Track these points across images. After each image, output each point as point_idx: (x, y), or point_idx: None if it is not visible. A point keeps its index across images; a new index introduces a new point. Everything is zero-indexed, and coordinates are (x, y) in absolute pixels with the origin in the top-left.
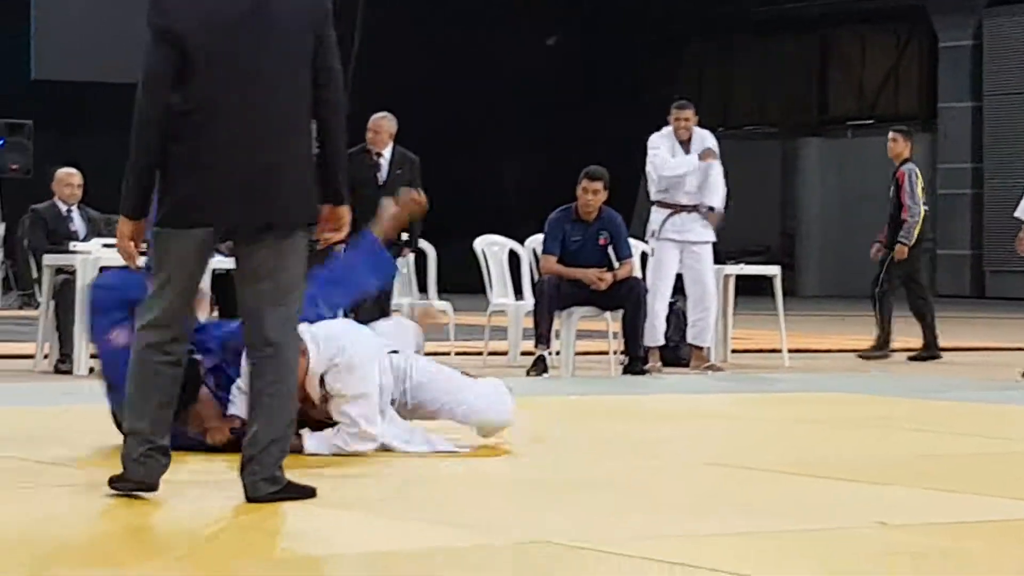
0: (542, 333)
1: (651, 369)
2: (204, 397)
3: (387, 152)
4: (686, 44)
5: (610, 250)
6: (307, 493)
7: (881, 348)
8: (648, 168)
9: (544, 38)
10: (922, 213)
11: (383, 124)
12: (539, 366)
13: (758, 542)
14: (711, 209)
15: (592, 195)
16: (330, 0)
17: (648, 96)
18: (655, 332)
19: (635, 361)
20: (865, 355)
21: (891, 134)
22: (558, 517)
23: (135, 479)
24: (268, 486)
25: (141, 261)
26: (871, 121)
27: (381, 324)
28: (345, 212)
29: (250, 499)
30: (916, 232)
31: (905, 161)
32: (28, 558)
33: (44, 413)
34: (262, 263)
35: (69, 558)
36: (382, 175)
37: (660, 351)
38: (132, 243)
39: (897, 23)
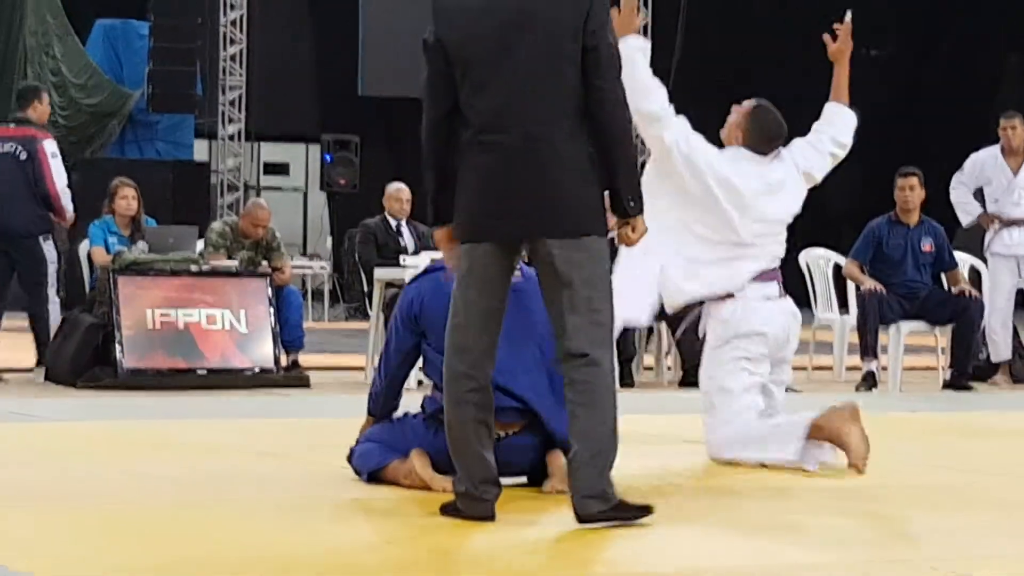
0: (868, 346)
1: (1000, 383)
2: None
3: None
4: (1007, 56)
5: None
6: (641, 512)
7: None
8: None
9: (869, 48)
10: None
11: None
12: (868, 381)
13: None
14: None
15: (909, 191)
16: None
17: (972, 108)
18: (997, 347)
19: (960, 377)
20: None
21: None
22: (917, 536)
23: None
24: (597, 504)
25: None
26: None
27: None
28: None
29: (580, 519)
30: None
31: None
32: None
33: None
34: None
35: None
36: None
37: (996, 367)
38: None
39: None
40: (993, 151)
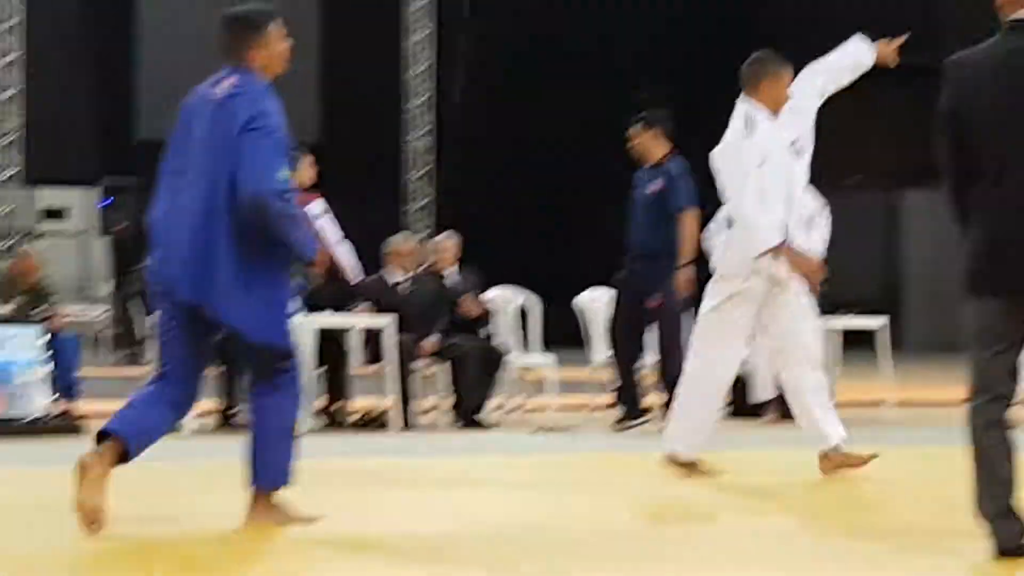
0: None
1: (769, 422)
2: None
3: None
4: None
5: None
6: None
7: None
8: None
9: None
10: None
11: (448, 245)
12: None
13: None
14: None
15: (632, 140)
16: None
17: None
18: (762, 386)
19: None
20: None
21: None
22: None
23: None
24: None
25: None
26: None
27: None
28: None
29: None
30: None
31: None
32: None
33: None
34: None
35: None
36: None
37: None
38: None
39: None
40: None
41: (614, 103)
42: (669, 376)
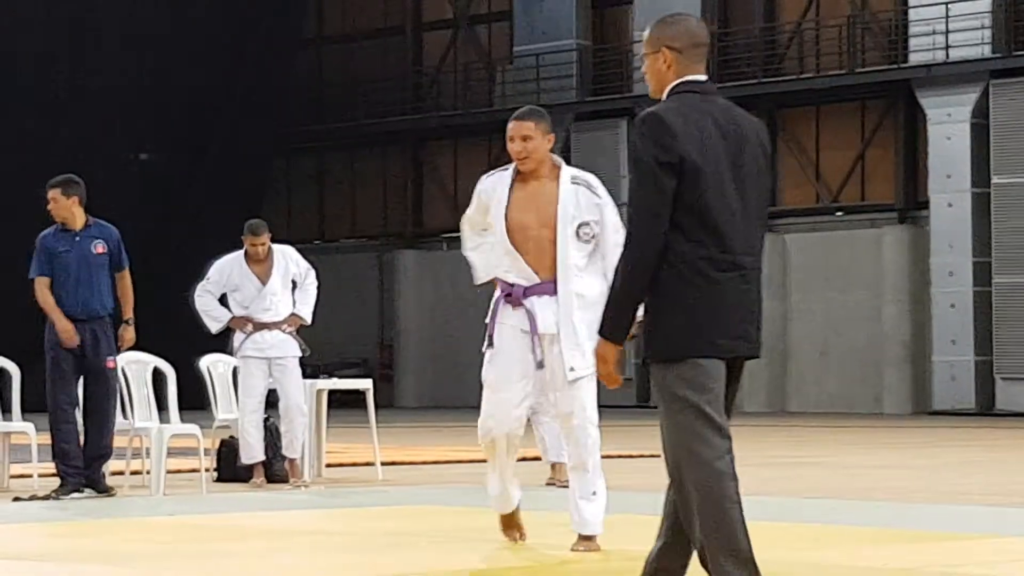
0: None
1: (259, 484)
2: None
3: None
4: (272, 161)
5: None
6: None
7: None
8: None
9: (135, 153)
10: None
11: None
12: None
13: None
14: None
15: (52, 204)
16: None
17: (231, 213)
18: (251, 449)
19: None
20: None
21: None
22: None
23: None
24: None
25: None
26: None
27: None
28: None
29: None
30: None
31: None
32: None
33: None
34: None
35: None
36: None
37: (252, 468)
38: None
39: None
40: (238, 258)
41: (116, 164)
42: (108, 436)
